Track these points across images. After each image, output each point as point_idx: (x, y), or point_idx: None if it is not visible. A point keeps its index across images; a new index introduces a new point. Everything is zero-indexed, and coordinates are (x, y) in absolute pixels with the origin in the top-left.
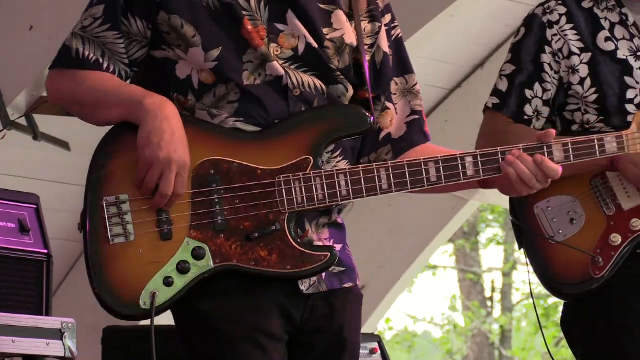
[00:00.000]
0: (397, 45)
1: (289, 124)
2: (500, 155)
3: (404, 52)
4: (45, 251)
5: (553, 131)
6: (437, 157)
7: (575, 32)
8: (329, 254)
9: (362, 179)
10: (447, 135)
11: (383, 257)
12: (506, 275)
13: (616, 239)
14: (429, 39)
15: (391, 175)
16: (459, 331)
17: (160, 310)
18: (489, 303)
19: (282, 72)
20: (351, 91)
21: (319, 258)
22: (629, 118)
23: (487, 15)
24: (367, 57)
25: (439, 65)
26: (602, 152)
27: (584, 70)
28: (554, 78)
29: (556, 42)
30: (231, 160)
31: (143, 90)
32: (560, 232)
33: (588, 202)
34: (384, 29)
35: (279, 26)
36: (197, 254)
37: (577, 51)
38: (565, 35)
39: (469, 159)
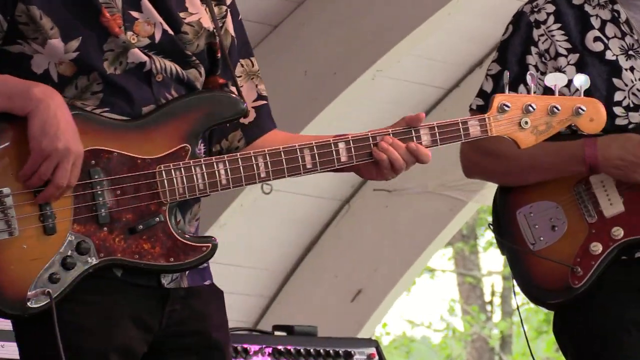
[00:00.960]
0: (240, 27)
1: (165, 112)
2: (371, 141)
3: (246, 35)
4: None
5: (422, 114)
6: (312, 143)
7: (563, 32)
8: (210, 245)
9: (241, 167)
10: None
11: (379, 260)
12: (506, 278)
13: (596, 247)
14: (426, 37)
15: (269, 162)
16: (458, 336)
17: (45, 308)
18: (488, 307)
19: (145, 58)
20: (204, 76)
21: (200, 249)
22: (617, 121)
23: (485, 13)
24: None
25: (436, 64)
26: (466, 135)
27: (570, 72)
28: (539, 80)
29: (543, 43)
30: (111, 149)
31: (23, 80)
32: (542, 239)
33: (571, 208)
34: (229, 11)
35: (134, 14)
36: (82, 249)
37: (565, 52)
38: (553, 35)
39: (341, 145)
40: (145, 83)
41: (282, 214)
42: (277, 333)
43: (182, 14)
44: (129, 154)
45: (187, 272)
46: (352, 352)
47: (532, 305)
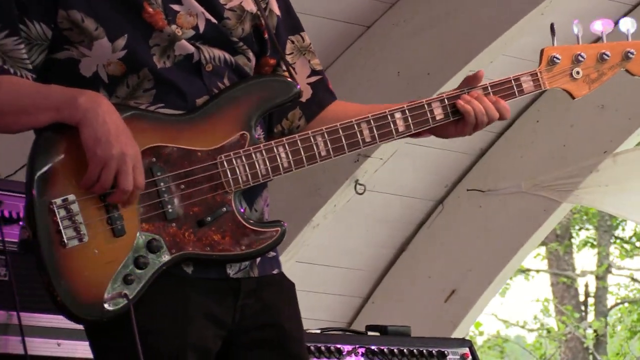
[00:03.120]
0: (286, 5)
1: (218, 102)
2: (427, 108)
3: (294, 12)
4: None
5: (482, 71)
6: (368, 116)
7: None
8: (279, 228)
9: (301, 148)
10: (539, 136)
11: (473, 260)
12: (600, 278)
13: None
14: (519, 38)
15: (328, 141)
16: (552, 336)
17: (123, 310)
18: (582, 307)
19: (192, 49)
20: (254, 60)
21: (270, 234)
22: None
23: (578, 14)
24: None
25: (528, 64)
26: (520, 91)
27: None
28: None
29: None
30: (170, 145)
31: (68, 89)
32: None
33: None
34: None
35: (175, 7)
36: (153, 247)
37: None
38: None
39: (398, 115)
40: (195, 74)
41: (376, 214)
42: (370, 333)
43: (222, 1)
44: (188, 147)
45: (257, 261)
46: (446, 352)
47: (626, 304)
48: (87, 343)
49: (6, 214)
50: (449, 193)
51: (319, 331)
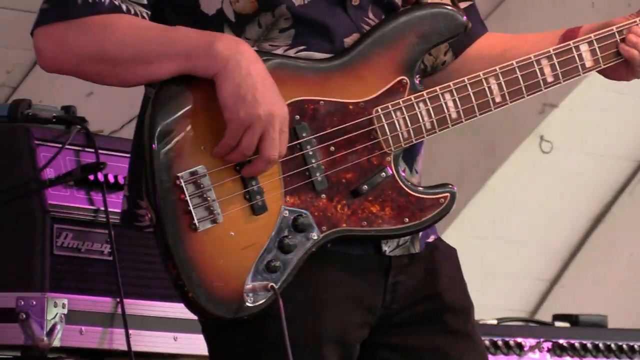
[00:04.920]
0: None
1: (372, 42)
2: (617, 37)
3: None
4: None
5: None
6: (549, 51)
7: None
8: (448, 194)
9: (471, 94)
10: None
11: None
12: None
13: None
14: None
15: (503, 83)
16: None
17: (267, 305)
18: None
19: None
20: None
21: (438, 202)
22: None
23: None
24: None
25: None
26: None
27: None
28: None
29: None
30: (316, 98)
31: (200, 32)
32: None
33: None
34: None
35: None
36: (300, 224)
37: None
38: None
39: (584, 47)
40: (340, 9)
41: (565, 178)
42: (558, 324)
43: None
44: (338, 99)
45: (420, 233)
46: None
47: None
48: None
49: (110, 178)
50: None
51: (495, 322)
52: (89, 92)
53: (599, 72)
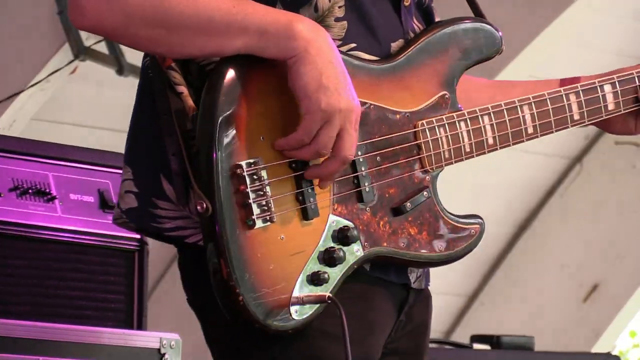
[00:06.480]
0: None
1: (419, 50)
2: (637, 82)
3: None
4: (138, 236)
5: None
6: (577, 86)
7: None
8: (479, 226)
9: (507, 120)
10: None
11: (625, 243)
12: None
13: None
14: None
15: (535, 114)
16: None
17: (310, 320)
18: None
19: None
20: None
21: (469, 233)
22: None
23: None
24: None
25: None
26: None
27: None
28: None
29: None
30: (366, 101)
31: (275, 10)
32: None
33: None
34: None
35: None
36: (346, 237)
37: None
38: None
39: (607, 88)
40: (393, 9)
41: (486, 178)
42: (477, 346)
43: None
44: (386, 106)
45: (425, 270)
46: None
47: None
48: None
49: None
50: (589, 148)
51: None
52: None
53: (601, 123)
